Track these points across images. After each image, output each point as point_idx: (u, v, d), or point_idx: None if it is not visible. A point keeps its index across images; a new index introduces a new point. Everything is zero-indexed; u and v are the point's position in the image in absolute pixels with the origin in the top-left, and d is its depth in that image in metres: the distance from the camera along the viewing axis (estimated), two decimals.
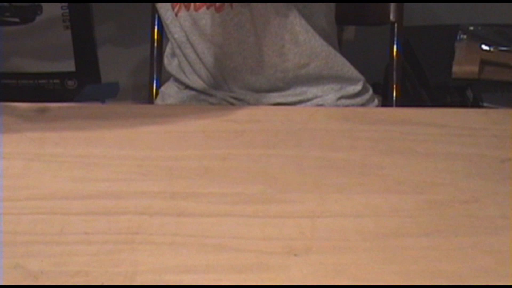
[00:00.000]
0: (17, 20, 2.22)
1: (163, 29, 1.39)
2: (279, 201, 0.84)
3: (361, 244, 0.77)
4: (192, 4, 1.11)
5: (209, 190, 0.86)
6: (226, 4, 1.08)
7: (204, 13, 1.10)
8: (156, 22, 1.40)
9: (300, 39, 1.12)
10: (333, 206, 0.83)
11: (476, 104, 1.61)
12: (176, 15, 1.13)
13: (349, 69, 1.19)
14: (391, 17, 1.37)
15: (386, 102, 1.35)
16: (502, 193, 0.86)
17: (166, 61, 1.27)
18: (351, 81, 1.19)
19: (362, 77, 1.21)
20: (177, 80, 1.25)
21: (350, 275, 0.72)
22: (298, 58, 1.13)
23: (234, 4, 1.08)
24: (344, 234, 0.78)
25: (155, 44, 1.41)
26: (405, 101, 1.38)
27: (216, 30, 1.11)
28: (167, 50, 1.27)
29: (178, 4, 1.12)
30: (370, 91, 1.24)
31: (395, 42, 1.37)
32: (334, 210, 0.83)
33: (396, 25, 1.37)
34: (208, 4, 1.09)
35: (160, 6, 1.17)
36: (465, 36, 1.76)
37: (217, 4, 1.09)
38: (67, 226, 0.79)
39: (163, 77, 1.39)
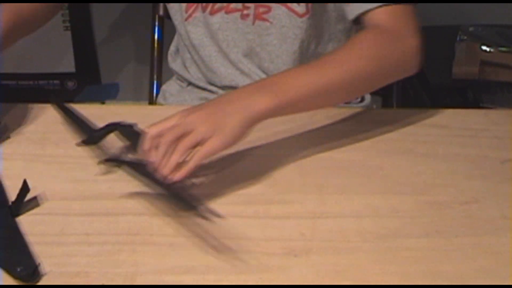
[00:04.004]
0: None
1: (164, 29, 1.39)
2: (279, 202, 0.84)
3: (362, 245, 0.77)
4: (209, 7, 1.10)
5: (209, 191, 0.86)
6: (251, 14, 1.09)
7: (221, 17, 1.10)
8: (156, 23, 1.40)
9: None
10: (333, 207, 0.83)
11: (476, 104, 1.62)
12: (190, 16, 1.13)
13: None
14: None
15: (386, 103, 1.35)
16: (502, 194, 0.86)
17: (170, 58, 1.27)
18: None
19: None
20: (180, 78, 1.25)
21: (350, 276, 0.72)
22: None
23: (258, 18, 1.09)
24: (344, 235, 0.78)
25: (155, 45, 1.41)
26: (406, 102, 1.38)
27: (229, 35, 1.11)
28: (171, 48, 1.27)
29: (194, 5, 1.12)
30: (369, 99, 1.23)
31: None
32: (334, 211, 0.83)
33: None
34: (229, 10, 1.09)
35: (172, 6, 1.16)
36: (465, 37, 1.76)
37: (244, 11, 1.09)
38: (67, 227, 0.79)
39: (163, 76, 1.39)
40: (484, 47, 1.71)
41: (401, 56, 0.95)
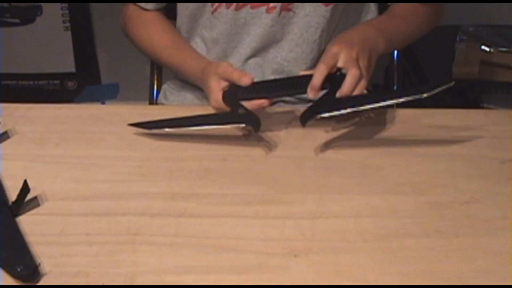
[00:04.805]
0: (17, 21, 2.23)
1: None
2: (279, 202, 0.84)
3: (361, 245, 0.77)
4: (233, 4, 1.12)
5: (209, 191, 0.86)
6: (277, 8, 1.11)
7: (246, 12, 1.11)
8: None
9: None
10: (333, 207, 0.83)
11: (476, 105, 1.61)
12: (216, 10, 1.14)
13: None
14: None
15: None
16: (502, 194, 0.86)
17: None
18: None
19: None
20: (180, 77, 1.25)
21: (350, 276, 0.72)
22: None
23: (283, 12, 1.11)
24: (344, 235, 0.78)
25: None
26: (406, 102, 1.37)
27: (253, 30, 1.12)
28: None
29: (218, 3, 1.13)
30: None
31: None
32: (334, 211, 0.83)
33: None
34: (254, 5, 1.11)
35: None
36: (465, 37, 1.76)
37: (270, 4, 1.11)
38: (67, 227, 0.79)
39: (164, 76, 1.39)
40: (484, 47, 1.71)
41: (429, 23, 1.21)
